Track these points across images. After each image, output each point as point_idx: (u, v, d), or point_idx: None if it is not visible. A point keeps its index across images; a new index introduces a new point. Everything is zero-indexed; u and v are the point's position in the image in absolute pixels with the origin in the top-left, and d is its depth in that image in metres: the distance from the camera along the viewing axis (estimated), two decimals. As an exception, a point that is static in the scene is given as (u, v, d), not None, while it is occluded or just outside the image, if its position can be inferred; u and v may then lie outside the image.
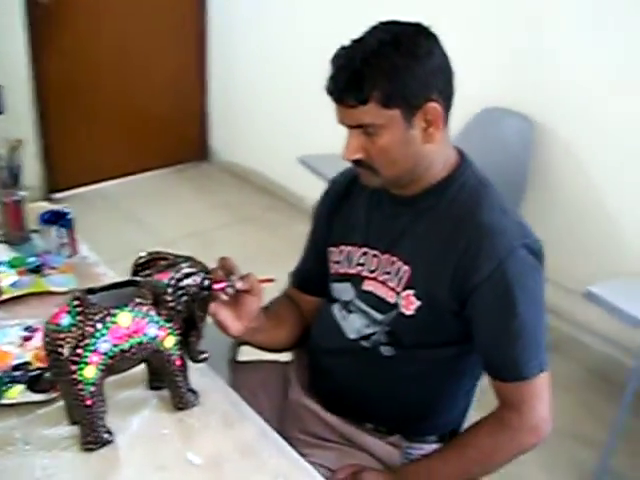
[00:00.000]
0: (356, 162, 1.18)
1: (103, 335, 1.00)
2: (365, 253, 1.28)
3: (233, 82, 4.15)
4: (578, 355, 2.66)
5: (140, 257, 1.12)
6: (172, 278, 1.06)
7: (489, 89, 2.64)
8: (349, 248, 1.31)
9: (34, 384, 1.17)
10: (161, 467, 1.04)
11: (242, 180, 4.21)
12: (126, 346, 1.03)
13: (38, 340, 1.27)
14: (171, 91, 4.18)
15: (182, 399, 1.14)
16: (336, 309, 1.33)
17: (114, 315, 1.02)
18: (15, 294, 1.41)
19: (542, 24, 2.50)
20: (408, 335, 1.23)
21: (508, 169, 2.42)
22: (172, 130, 4.25)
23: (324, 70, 1.13)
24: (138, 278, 1.09)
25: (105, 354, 1.01)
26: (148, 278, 1.08)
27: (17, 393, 1.15)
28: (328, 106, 1.15)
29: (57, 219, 1.54)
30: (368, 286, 1.27)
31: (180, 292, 1.07)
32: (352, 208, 1.34)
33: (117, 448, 1.07)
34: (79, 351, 0.98)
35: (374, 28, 1.14)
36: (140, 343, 1.05)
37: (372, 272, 1.26)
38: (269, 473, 1.05)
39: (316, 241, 1.43)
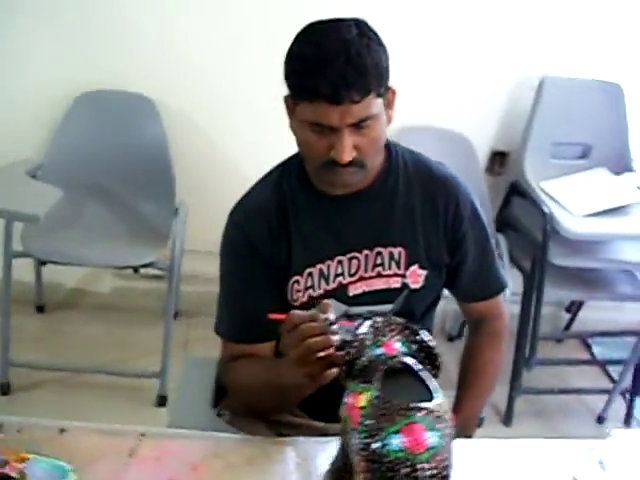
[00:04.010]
0: (346, 163, 1.11)
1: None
2: (340, 261, 1.24)
3: None
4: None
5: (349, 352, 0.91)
6: (414, 334, 0.93)
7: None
8: (320, 266, 1.24)
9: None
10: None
11: None
12: None
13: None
14: None
15: None
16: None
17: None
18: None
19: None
20: (419, 307, 1.29)
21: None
22: None
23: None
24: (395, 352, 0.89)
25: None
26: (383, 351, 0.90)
27: None
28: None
29: None
30: (358, 289, 1.24)
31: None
32: (299, 228, 1.24)
33: None
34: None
35: (326, 29, 1.10)
36: None
37: (354, 274, 1.24)
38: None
39: (256, 280, 1.24)
